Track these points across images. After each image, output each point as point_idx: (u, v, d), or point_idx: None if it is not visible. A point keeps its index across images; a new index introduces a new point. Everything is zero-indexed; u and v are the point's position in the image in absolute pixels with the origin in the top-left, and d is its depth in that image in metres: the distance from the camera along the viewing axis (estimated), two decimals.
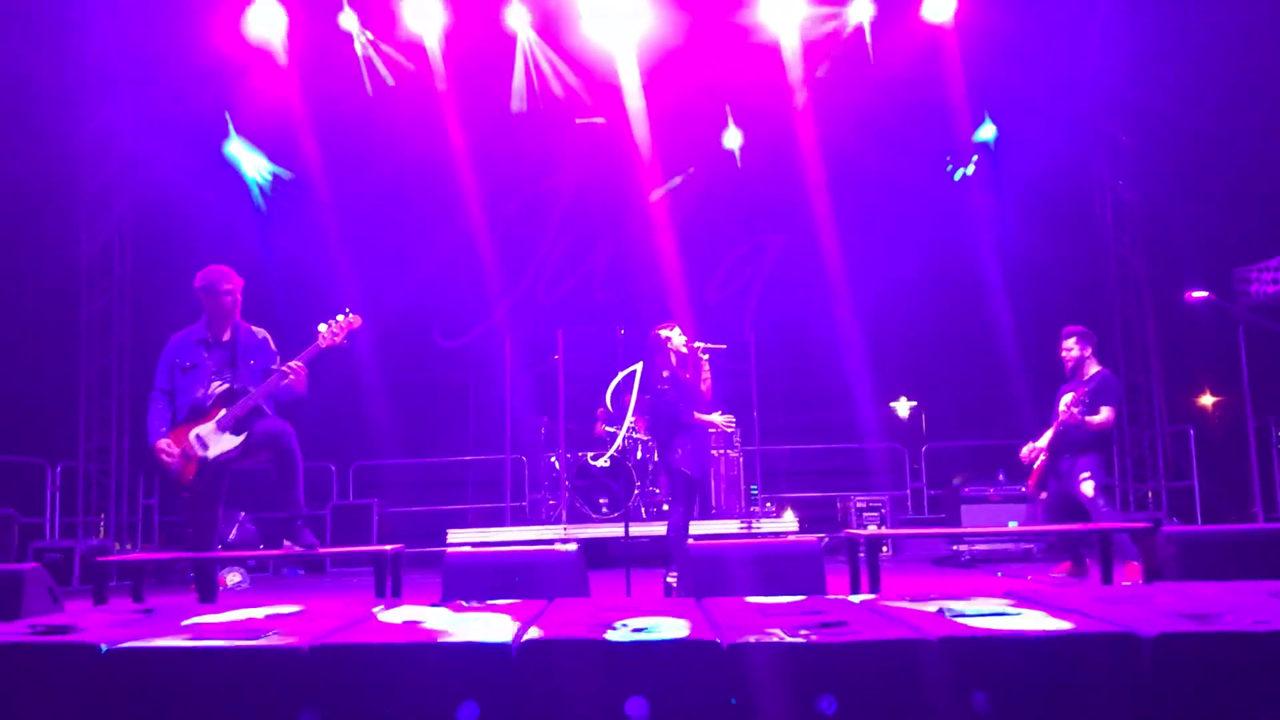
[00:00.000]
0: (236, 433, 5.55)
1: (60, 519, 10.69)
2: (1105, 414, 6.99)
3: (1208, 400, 11.85)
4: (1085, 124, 11.54)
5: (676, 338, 7.26)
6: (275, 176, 11.09)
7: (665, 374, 7.25)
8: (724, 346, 7.59)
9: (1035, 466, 7.27)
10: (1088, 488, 6.95)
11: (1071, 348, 7.32)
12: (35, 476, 10.54)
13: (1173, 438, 11.16)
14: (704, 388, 7.26)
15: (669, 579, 6.70)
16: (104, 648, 2.87)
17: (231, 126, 10.86)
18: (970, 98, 10.60)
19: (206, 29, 9.87)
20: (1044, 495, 7.32)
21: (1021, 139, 11.01)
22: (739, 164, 11.47)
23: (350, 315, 5.74)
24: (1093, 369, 7.28)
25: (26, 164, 9.86)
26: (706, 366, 7.30)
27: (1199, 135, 10.29)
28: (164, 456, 5.53)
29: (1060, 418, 7.08)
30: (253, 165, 11.06)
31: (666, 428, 7.26)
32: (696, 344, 7.29)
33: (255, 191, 11.11)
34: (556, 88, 10.61)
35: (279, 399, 5.72)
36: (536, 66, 10.46)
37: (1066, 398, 7.13)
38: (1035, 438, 7.33)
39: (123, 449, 11.48)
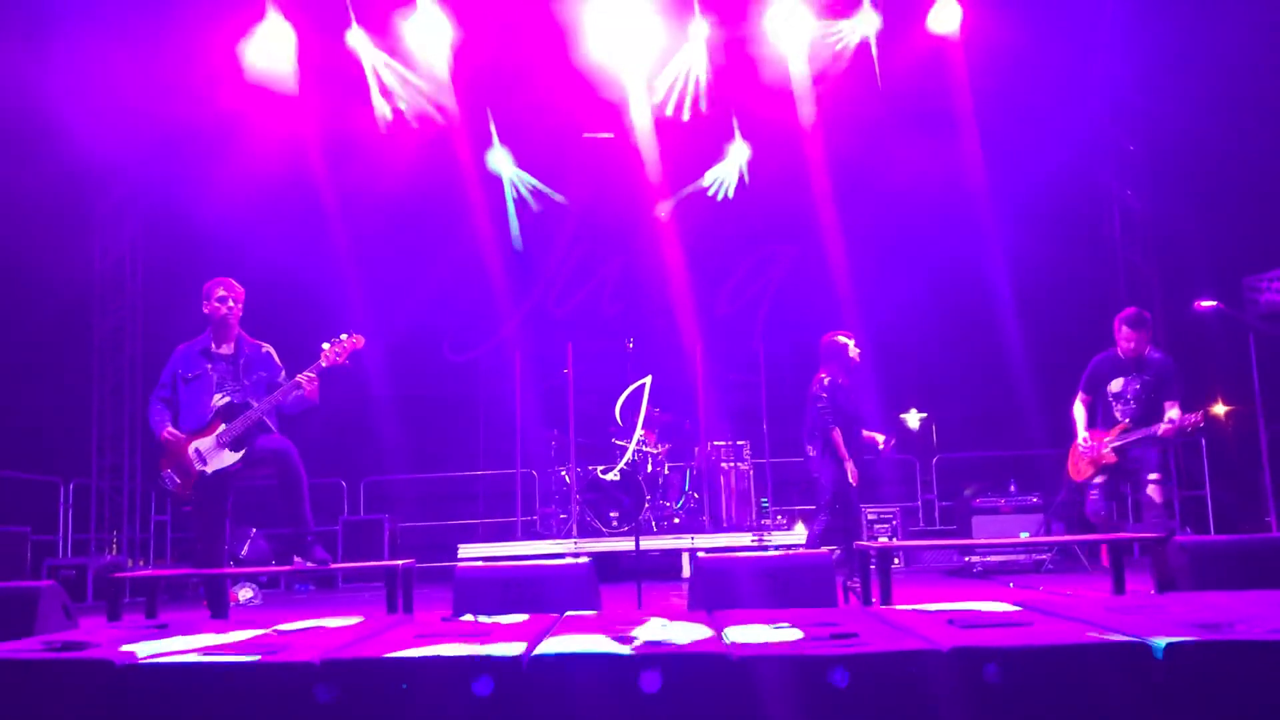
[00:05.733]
0: (235, 449, 5.56)
1: (73, 536, 10.75)
2: (1173, 416, 6.57)
3: (1220, 409, 11.79)
4: (1093, 133, 11.52)
5: (853, 348, 7.26)
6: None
7: (825, 379, 7.24)
8: None
9: (1092, 457, 6.84)
10: (1154, 491, 6.63)
11: (1142, 339, 6.76)
12: (48, 494, 10.60)
13: (1185, 447, 11.08)
14: None
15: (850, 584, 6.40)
16: (118, 664, 2.88)
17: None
18: (977, 109, 10.60)
19: (217, 50, 9.94)
20: (1094, 489, 6.99)
21: (1029, 149, 10.99)
22: (746, 178, 11.48)
23: (353, 336, 5.70)
24: (1149, 353, 6.81)
25: (42, 183, 9.91)
26: None
27: (1208, 143, 10.24)
28: (170, 445, 5.60)
29: (1151, 430, 6.60)
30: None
31: (815, 435, 7.26)
32: None
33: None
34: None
35: (289, 410, 5.72)
36: (543, 82, 10.49)
37: (1116, 383, 6.82)
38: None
39: (135, 466, 11.53)
